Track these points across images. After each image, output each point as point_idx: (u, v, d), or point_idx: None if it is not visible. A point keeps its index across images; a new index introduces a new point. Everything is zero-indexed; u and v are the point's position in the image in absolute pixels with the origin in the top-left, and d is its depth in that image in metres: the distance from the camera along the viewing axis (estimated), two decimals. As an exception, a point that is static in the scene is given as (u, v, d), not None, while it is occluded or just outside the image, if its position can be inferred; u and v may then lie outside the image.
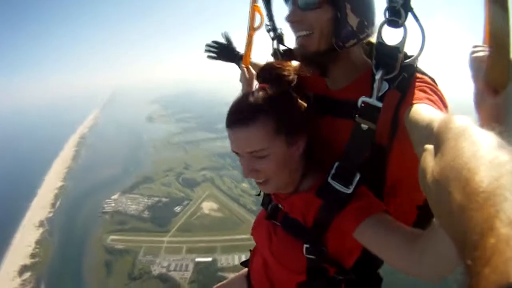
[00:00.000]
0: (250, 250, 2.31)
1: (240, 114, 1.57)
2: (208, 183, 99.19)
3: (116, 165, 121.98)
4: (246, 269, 2.36)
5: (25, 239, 78.93)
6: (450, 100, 1.48)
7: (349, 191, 1.49)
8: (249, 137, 1.53)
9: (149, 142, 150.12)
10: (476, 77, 0.98)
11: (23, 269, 68.08)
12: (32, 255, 72.39)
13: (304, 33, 1.59)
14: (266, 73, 1.74)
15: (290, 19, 1.59)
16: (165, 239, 73.70)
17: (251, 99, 1.60)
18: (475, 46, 1.04)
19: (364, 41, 1.63)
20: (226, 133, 1.61)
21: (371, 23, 1.58)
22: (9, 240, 78.96)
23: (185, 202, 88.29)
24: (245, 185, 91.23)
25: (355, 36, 1.56)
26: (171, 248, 70.60)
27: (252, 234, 2.08)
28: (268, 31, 2.10)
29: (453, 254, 0.83)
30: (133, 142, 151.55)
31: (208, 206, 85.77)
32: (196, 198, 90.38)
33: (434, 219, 1.02)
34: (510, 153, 0.54)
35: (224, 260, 62.51)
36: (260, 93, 1.62)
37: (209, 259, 64.55)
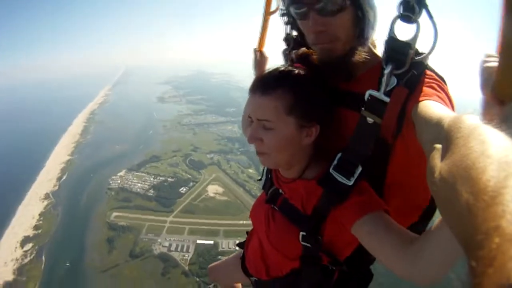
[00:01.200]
0: (247, 232, 2.33)
1: (262, 82, 1.61)
2: (215, 166, 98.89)
3: (124, 142, 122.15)
4: (241, 250, 2.39)
5: (30, 210, 79.51)
6: (457, 100, 1.49)
7: (350, 183, 1.49)
8: (262, 105, 1.56)
9: (159, 122, 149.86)
10: (484, 86, 0.97)
11: (26, 240, 68.48)
12: (36, 227, 72.85)
13: (330, 40, 1.53)
14: (302, 56, 1.77)
15: (315, 29, 1.51)
16: (168, 219, 73.80)
17: (280, 72, 1.62)
18: (487, 56, 1.03)
19: None
20: (236, 118, 1.71)
21: (376, 11, 1.56)
22: (14, 211, 79.56)
23: (191, 184, 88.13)
24: (251, 170, 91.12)
25: (373, 29, 1.56)
26: (173, 228, 70.58)
27: (250, 217, 2.09)
28: (282, 15, 1.97)
29: (445, 262, 1.00)
30: (142, 121, 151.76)
31: (213, 189, 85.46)
32: (202, 180, 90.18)
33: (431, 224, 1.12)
34: None
35: (226, 244, 62.06)
36: (291, 70, 1.63)
37: (211, 242, 64.35)
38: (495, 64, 0.93)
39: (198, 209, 77.17)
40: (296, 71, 1.62)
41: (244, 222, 66.03)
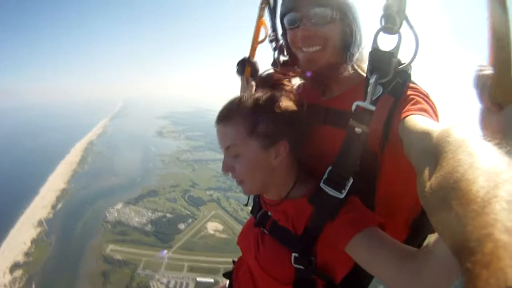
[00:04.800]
0: (233, 261, 2.25)
1: (221, 113, 1.67)
2: (214, 203, 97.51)
3: (122, 175, 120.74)
4: (227, 281, 2.29)
5: (22, 236, 77.11)
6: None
7: (342, 196, 1.48)
8: (224, 133, 1.63)
9: (157, 156, 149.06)
10: (481, 94, 1.00)
11: (15, 266, 66.05)
12: (26, 254, 70.36)
13: (316, 48, 1.63)
14: (266, 78, 1.86)
15: (304, 33, 1.62)
16: (167, 255, 71.50)
17: (236, 101, 1.69)
18: (480, 66, 1.05)
19: None
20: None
21: (362, 34, 1.69)
22: (5, 235, 77.03)
23: (190, 220, 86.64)
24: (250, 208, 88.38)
25: (359, 48, 1.68)
26: (172, 265, 68.72)
27: (238, 243, 2.05)
28: (271, 41, 2.16)
29: (448, 274, 1.00)
30: (141, 154, 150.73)
31: (213, 227, 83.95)
32: (201, 217, 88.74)
33: (428, 238, 1.12)
34: (506, 162, 0.57)
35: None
36: (247, 96, 1.69)
37: (211, 280, 62.27)
38: (489, 71, 0.96)
39: (197, 246, 75.38)
40: (255, 97, 1.67)
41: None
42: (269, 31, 2.21)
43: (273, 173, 1.65)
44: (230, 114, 1.64)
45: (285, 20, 1.71)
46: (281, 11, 1.75)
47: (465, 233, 0.50)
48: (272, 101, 1.63)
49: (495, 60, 0.91)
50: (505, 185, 0.51)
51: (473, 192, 0.53)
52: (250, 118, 1.60)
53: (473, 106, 1.02)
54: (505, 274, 0.39)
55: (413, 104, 1.41)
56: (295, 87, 1.85)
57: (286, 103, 1.65)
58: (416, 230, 1.76)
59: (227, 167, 1.64)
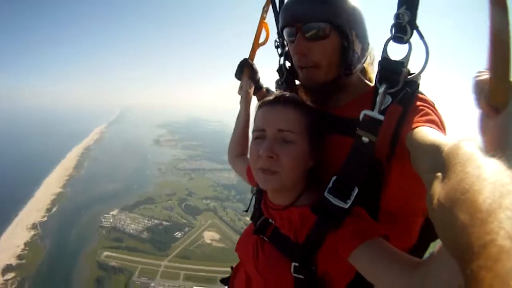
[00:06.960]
0: (231, 267, 2.19)
1: (286, 98, 1.61)
2: (211, 212, 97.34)
3: (118, 181, 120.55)
4: (225, 287, 2.27)
5: (15, 238, 76.23)
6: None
7: (346, 206, 1.44)
8: (287, 116, 1.55)
9: (154, 164, 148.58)
10: (479, 99, 1.02)
11: (7, 268, 65.17)
12: (19, 257, 69.47)
13: (311, 65, 1.63)
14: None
15: (298, 50, 1.61)
16: (163, 263, 71.38)
17: (298, 97, 1.67)
18: (479, 72, 1.07)
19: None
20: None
21: (368, 44, 1.69)
22: (-2, 236, 75.58)
23: (186, 229, 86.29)
24: (248, 218, 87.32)
25: (360, 61, 1.66)
26: (168, 273, 68.27)
27: (236, 250, 1.99)
28: (277, 47, 2.11)
29: (453, 284, 0.97)
30: (137, 161, 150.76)
31: (209, 236, 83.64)
32: (198, 226, 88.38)
33: (433, 248, 1.08)
34: None
35: (225, 292, 59.09)
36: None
37: (207, 289, 60.95)
38: (487, 76, 0.98)
39: (194, 255, 74.86)
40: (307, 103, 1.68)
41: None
42: (275, 35, 2.15)
43: (301, 175, 1.60)
44: (297, 102, 1.59)
45: (284, 33, 1.71)
46: (280, 23, 1.72)
47: (470, 239, 0.51)
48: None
49: (494, 63, 0.92)
50: (510, 196, 0.52)
51: (479, 202, 0.55)
52: (310, 116, 1.59)
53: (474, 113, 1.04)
54: (509, 277, 0.40)
55: (422, 116, 1.41)
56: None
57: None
58: (419, 240, 1.76)
59: (271, 152, 1.48)
